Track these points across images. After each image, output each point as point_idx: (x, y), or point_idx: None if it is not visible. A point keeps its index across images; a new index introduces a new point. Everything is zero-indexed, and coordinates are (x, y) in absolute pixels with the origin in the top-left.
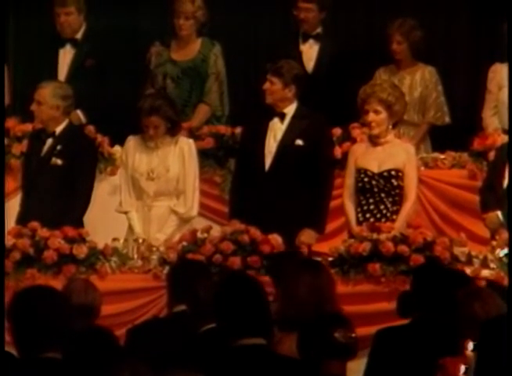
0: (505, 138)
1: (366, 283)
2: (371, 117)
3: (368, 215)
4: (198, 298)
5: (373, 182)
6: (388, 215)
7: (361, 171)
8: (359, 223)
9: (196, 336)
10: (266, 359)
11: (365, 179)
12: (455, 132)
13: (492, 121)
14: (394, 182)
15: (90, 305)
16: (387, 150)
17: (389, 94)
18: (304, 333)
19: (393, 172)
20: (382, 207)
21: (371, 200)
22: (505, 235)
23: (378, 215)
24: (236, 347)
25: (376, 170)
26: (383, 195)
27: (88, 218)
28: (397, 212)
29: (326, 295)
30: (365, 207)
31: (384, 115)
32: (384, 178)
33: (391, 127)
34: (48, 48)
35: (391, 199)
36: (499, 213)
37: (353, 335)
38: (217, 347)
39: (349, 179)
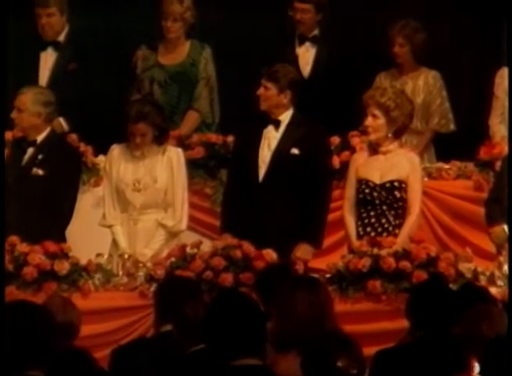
0: None
1: (366, 301)
2: (368, 121)
3: (369, 229)
4: (186, 318)
5: (375, 194)
6: (390, 228)
7: (362, 182)
8: (360, 237)
9: (184, 358)
10: None
11: (367, 191)
12: (460, 141)
13: (499, 128)
14: (397, 194)
15: (69, 324)
16: (390, 160)
17: (389, 98)
18: (306, 357)
19: (396, 183)
20: (384, 220)
21: (372, 213)
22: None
23: (379, 229)
24: (233, 368)
25: (377, 181)
26: (385, 207)
27: (71, 232)
28: (399, 226)
29: (325, 314)
30: (366, 221)
31: (382, 121)
32: (386, 190)
33: (390, 135)
34: (29, 52)
35: (393, 212)
36: (506, 227)
37: (356, 369)
38: (206, 369)
39: (349, 191)
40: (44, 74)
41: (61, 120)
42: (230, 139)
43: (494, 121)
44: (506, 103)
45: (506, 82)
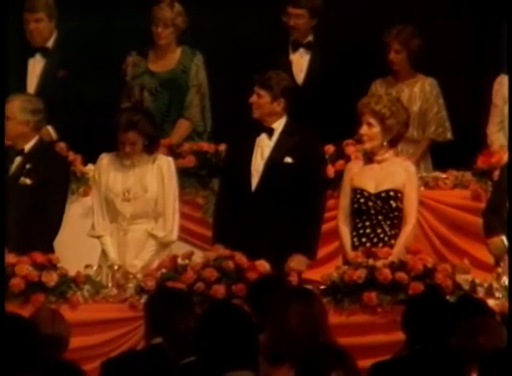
0: None
1: (361, 313)
2: (363, 129)
3: (364, 240)
4: (177, 330)
5: (370, 204)
6: (386, 239)
7: (357, 192)
8: (354, 248)
9: (175, 370)
10: None
11: (362, 200)
12: (457, 149)
13: (498, 137)
14: (393, 204)
15: (57, 336)
16: (386, 169)
17: (384, 106)
18: (300, 370)
19: (391, 193)
20: (379, 230)
21: (367, 223)
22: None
23: (375, 240)
24: None
25: (373, 190)
26: (380, 217)
27: (59, 242)
28: (395, 236)
29: (319, 326)
30: (361, 231)
31: (377, 129)
32: (381, 200)
33: (386, 143)
34: (17, 58)
35: (389, 222)
36: (504, 238)
37: None
38: None
39: (344, 200)
40: (32, 81)
41: (49, 128)
42: (222, 147)
43: (492, 129)
44: (505, 111)
45: (505, 89)
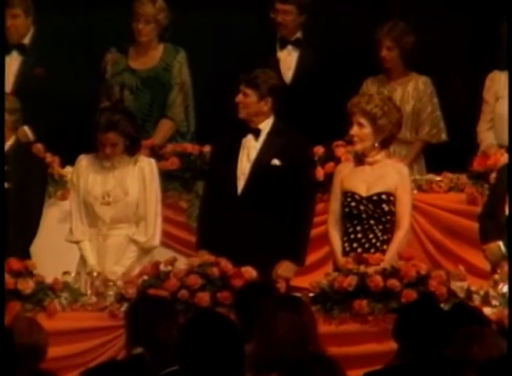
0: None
1: (352, 322)
2: (353, 130)
3: (355, 245)
4: (159, 340)
5: (361, 207)
6: (378, 244)
7: (347, 195)
8: (345, 254)
9: None
10: None
11: (352, 204)
12: (452, 151)
13: (487, 135)
14: (385, 207)
15: (34, 346)
16: (377, 171)
17: (375, 106)
18: None
19: (383, 196)
20: (371, 235)
21: (359, 228)
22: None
23: (366, 245)
24: None
25: (364, 193)
26: (372, 222)
27: (36, 248)
28: (387, 242)
29: (308, 335)
30: (352, 236)
31: (368, 130)
32: (373, 203)
33: (377, 144)
34: None
35: (381, 226)
36: (501, 243)
37: None
38: None
39: (334, 204)
40: (8, 79)
41: (26, 128)
42: (207, 149)
43: (482, 127)
44: (497, 109)
45: (497, 86)
